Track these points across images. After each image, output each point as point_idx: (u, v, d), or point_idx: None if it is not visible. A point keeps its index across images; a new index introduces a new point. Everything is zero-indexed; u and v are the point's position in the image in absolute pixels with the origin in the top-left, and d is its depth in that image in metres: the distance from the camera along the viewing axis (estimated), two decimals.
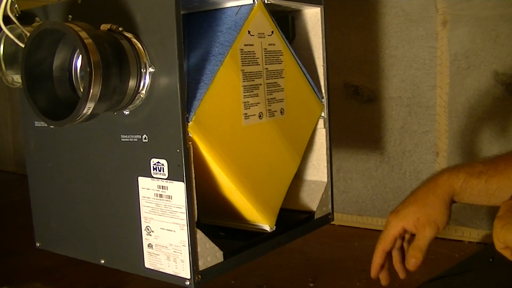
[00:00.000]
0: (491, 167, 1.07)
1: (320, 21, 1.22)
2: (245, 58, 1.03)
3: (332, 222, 1.28)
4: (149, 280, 0.99)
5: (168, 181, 0.92)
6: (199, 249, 0.94)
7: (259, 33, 1.06)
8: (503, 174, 1.06)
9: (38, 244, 1.16)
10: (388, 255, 1.12)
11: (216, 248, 0.97)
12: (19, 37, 0.99)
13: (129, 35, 0.91)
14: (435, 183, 1.09)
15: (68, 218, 1.09)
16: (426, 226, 1.06)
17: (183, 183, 0.90)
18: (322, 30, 1.22)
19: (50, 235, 1.14)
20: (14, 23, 1.00)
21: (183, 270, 0.94)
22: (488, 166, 1.08)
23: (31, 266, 1.95)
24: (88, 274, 1.80)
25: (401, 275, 1.12)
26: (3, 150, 3.91)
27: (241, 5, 1.05)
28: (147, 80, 0.92)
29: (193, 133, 0.92)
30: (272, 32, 1.09)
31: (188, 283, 0.94)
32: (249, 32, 1.04)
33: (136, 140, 0.95)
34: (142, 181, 0.95)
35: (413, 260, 1.07)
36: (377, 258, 1.11)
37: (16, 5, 1.02)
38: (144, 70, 0.91)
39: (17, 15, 1.02)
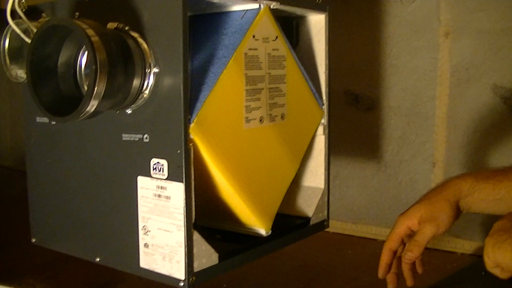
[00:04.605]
0: (499, 173, 1.09)
1: (324, 28, 1.23)
2: (249, 62, 1.04)
3: (327, 229, 1.28)
4: (143, 280, 0.99)
5: (168, 181, 0.92)
6: (195, 251, 0.94)
7: (263, 38, 1.06)
8: None
9: (34, 240, 1.16)
10: (396, 256, 1.13)
11: (212, 250, 0.98)
12: (25, 32, 1.00)
13: (135, 34, 0.92)
14: (443, 186, 1.11)
15: (66, 215, 1.09)
16: (427, 223, 1.07)
17: (182, 184, 0.90)
18: (325, 37, 1.23)
19: (46, 231, 1.14)
20: (21, 17, 1.00)
21: (178, 271, 0.94)
22: (497, 173, 1.09)
23: (24, 262, 1.94)
24: (81, 272, 1.80)
25: (408, 281, 1.13)
26: (0, 145, 3.90)
27: (247, 9, 1.05)
28: (151, 80, 0.92)
29: (194, 135, 0.93)
30: (277, 37, 1.10)
31: (182, 284, 0.94)
32: (253, 36, 1.04)
33: (137, 139, 0.95)
34: (142, 180, 0.96)
35: (409, 253, 1.08)
36: (384, 256, 1.12)
37: (23, 0, 1.03)
38: (149, 70, 0.92)
39: (24, 10, 1.03)
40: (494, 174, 1.10)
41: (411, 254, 1.08)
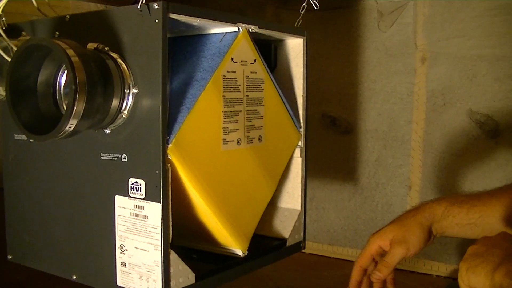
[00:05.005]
0: (474, 198, 1.11)
1: (302, 52, 1.24)
2: (227, 85, 1.05)
3: (303, 250, 1.29)
4: None
5: (145, 201, 0.93)
6: (171, 270, 0.94)
7: (242, 61, 1.07)
8: (485, 205, 1.09)
9: (10, 257, 1.16)
10: (366, 274, 1.14)
11: (189, 270, 0.98)
12: (5, 50, 1.00)
13: (114, 55, 0.93)
14: (417, 209, 1.13)
15: (43, 232, 1.09)
16: (397, 245, 1.09)
17: (159, 204, 0.91)
18: (303, 60, 1.24)
19: (23, 249, 1.14)
20: (1, 35, 1.01)
21: None
22: (471, 197, 1.11)
23: (0, 279, 1.93)
24: None
25: None
26: None
27: (226, 32, 1.06)
28: (130, 100, 0.93)
29: (172, 156, 0.93)
30: (255, 60, 1.11)
31: None
32: (232, 59, 1.05)
33: (116, 159, 0.96)
34: (119, 200, 0.96)
35: (377, 273, 1.10)
36: (354, 273, 1.14)
37: (3, 18, 1.03)
38: (128, 91, 0.92)
39: (4, 28, 1.03)
40: (468, 199, 1.12)
41: (379, 274, 1.10)
